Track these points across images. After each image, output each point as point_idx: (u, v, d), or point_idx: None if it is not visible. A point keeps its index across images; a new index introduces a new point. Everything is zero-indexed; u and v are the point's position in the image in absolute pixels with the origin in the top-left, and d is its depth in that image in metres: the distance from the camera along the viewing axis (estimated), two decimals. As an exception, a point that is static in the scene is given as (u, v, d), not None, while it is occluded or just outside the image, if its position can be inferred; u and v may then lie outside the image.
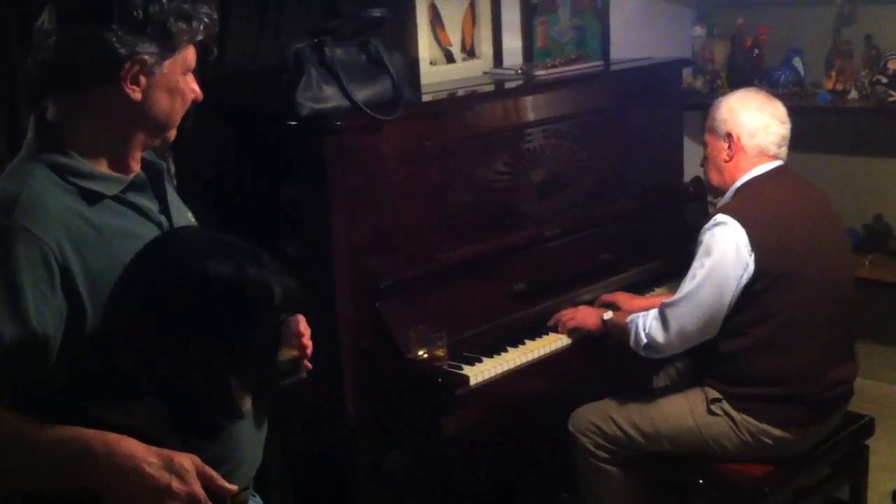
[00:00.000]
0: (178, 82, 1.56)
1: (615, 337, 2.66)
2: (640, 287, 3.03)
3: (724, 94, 2.91)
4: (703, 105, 3.34)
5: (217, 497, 1.42)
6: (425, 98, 2.83)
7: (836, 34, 3.73)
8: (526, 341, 2.66)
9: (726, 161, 2.66)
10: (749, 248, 2.48)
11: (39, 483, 1.42)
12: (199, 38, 1.56)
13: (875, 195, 3.77)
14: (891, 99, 3.48)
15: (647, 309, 2.64)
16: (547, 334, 2.72)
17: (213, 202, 1.85)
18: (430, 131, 2.59)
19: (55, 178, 1.49)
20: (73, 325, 1.45)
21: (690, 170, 3.46)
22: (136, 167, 1.60)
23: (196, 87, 1.60)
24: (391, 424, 2.51)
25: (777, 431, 2.54)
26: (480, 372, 2.47)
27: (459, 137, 2.67)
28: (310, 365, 1.76)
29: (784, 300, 2.50)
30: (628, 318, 2.62)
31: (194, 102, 1.61)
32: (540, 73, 3.07)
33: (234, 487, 1.46)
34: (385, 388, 2.47)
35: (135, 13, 1.47)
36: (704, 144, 2.76)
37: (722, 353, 2.57)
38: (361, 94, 2.40)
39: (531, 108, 2.89)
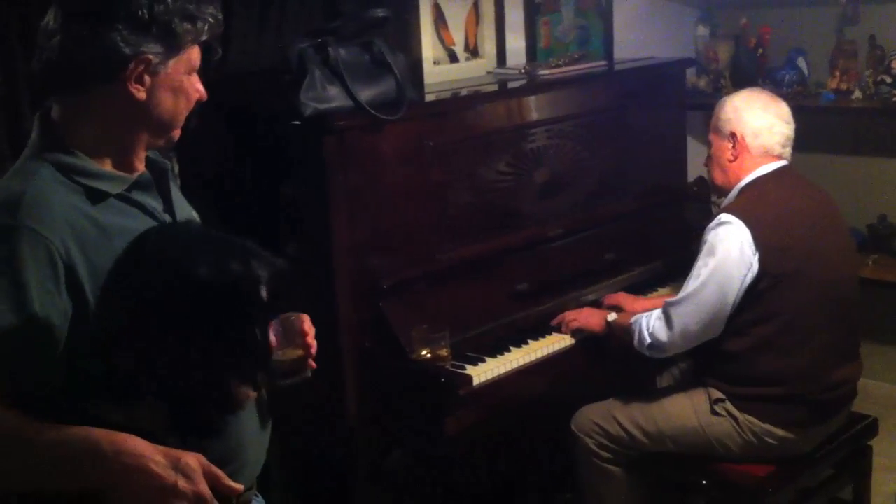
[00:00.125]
0: (182, 82, 1.56)
1: (619, 338, 2.66)
2: (642, 287, 3.03)
3: (727, 94, 2.91)
4: (706, 105, 3.34)
5: (222, 497, 1.42)
6: (428, 98, 2.84)
7: (839, 34, 3.72)
8: (529, 341, 2.66)
9: (730, 161, 2.66)
10: (753, 247, 2.48)
11: (44, 482, 1.42)
12: (204, 38, 1.56)
13: (879, 195, 3.77)
14: (894, 98, 3.48)
15: (650, 309, 2.64)
16: (550, 334, 2.72)
17: (215, 202, 1.85)
18: (433, 131, 2.58)
19: (60, 177, 1.49)
20: (78, 323, 1.45)
21: (694, 170, 3.46)
22: (141, 166, 1.60)
23: (200, 87, 1.60)
24: (391, 424, 2.51)
25: (780, 432, 2.54)
26: (483, 372, 2.47)
27: (462, 137, 2.67)
28: (314, 364, 1.76)
29: (786, 300, 2.50)
30: (632, 319, 2.62)
31: (198, 102, 1.61)
32: (543, 72, 3.07)
33: (239, 487, 1.46)
34: (386, 388, 2.47)
35: (139, 13, 1.47)
36: (709, 144, 2.76)
37: (724, 353, 2.57)
38: (365, 94, 2.40)
39: (534, 107, 2.89)
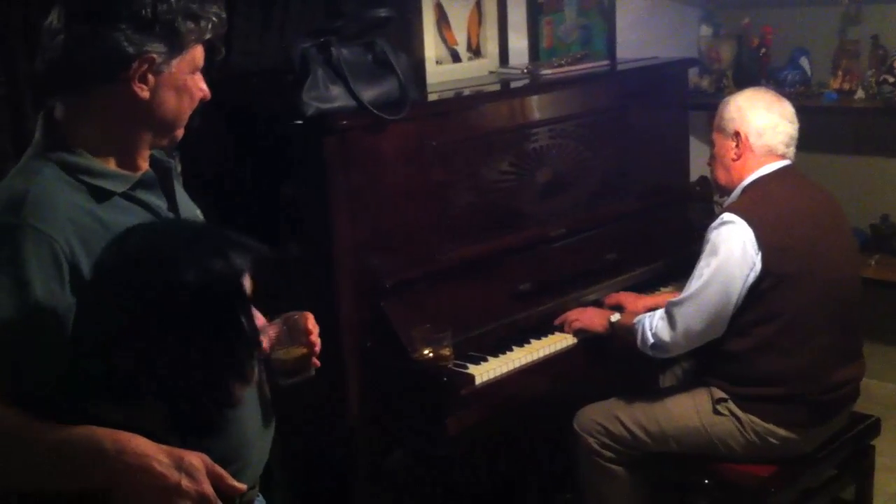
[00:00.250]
0: (186, 81, 1.56)
1: (622, 338, 2.66)
2: (644, 287, 3.03)
3: (730, 93, 2.91)
4: (709, 105, 3.34)
5: (226, 496, 1.42)
6: (431, 97, 2.84)
7: (842, 34, 3.72)
8: (531, 341, 2.66)
9: (734, 160, 2.66)
10: (756, 247, 2.48)
11: (47, 482, 1.42)
12: (208, 37, 1.56)
13: (882, 195, 3.77)
14: (897, 98, 3.48)
15: (653, 309, 2.64)
16: (552, 334, 2.72)
17: (216, 202, 1.85)
18: (435, 131, 2.58)
19: (64, 176, 1.49)
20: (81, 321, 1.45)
21: (696, 169, 3.46)
22: (145, 165, 1.60)
23: (204, 87, 1.60)
24: (392, 424, 2.51)
25: (782, 431, 2.54)
26: (486, 371, 2.47)
27: (464, 137, 2.66)
28: (318, 362, 1.76)
29: (788, 300, 2.50)
30: (635, 319, 2.62)
31: (201, 101, 1.61)
32: (545, 72, 3.07)
33: (243, 486, 1.46)
34: (387, 388, 2.46)
35: (143, 12, 1.47)
36: (712, 143, 2.76)
37: (726, 353, 2.57)
38: (367, 93, 2.40)
39: (536, 107, 2.89)
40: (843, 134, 3.83)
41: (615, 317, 2.71)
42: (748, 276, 2.48)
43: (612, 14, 3.64)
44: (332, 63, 2.38)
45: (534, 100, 2.90)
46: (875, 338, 3.47)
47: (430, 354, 2.38)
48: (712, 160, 2.77)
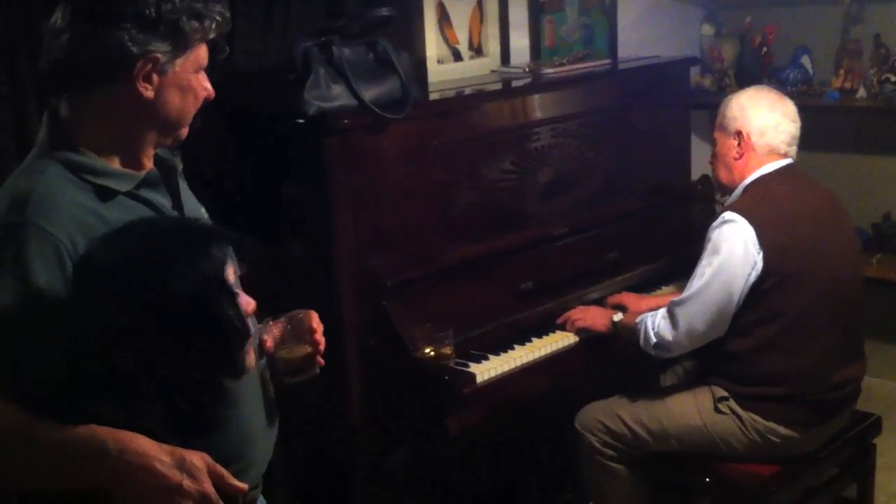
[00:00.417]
0: (190, 80, 1.56)
1: (625, 338, 2.66)
2: (646, 286, 3.03)
3: (732, 92, 2.91)
4: (711, 104, 3.34)
5: (228, 496, 1.42)
6: (432, 96, 2.83)
7: (844, 33, 3.72)
8: (533, 339, 2.67)
9: (735, 159, 2.66)
10: (757, 246, 2.48)
11: (49, 481, 1.42)
12: (212, 36, 1.56)
13: (883, 194, 3.77)
14: (899, 97, 3.48)
15: (655, 309, 2.64)
16: (554, 332, 2.72)
17: (218, 201, 1.85)
18: (437, 130, 2.59)
19: (68, 175, 1.49)
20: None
21: (698, 169, 3.46)
22: (149, 164, 1.60)
23: (208, 86, 1.60)
24: (393, 424, 2.51)
25: (784, 430, 2.54)
26: (487, 370, 2.48)
27: (466, 136, 2.67)
28: (322, 361, 1.76)
29: (789, 300, 2.50)
30: (637, 319, 2.62)
31: (205, 101, 1.61)
32: (547, 71, 3.07)
33: (244, 486, 1.46)
34: (389, 388, 2.47)
35: (147, 12, 1.47)
36: (713, 142, 2.76)
37: (727, 353, 2.57)
38: (369, 93, 2.41)
39: (538, 106, 2.89)
40: (844, 133, 3.83)
41: (618, 316, 2.71)
42: (749, 275, 2.48)
43: (614, 13, 3.64)
44: (333, 62, 2.38)
45: (535, 99, 2.90)
46: (876, 336, 3.47)
47: (432, 353, 2.38)
48: (714, 159, 2.77)
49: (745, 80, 3.75)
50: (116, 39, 1.46)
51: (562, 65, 3.12)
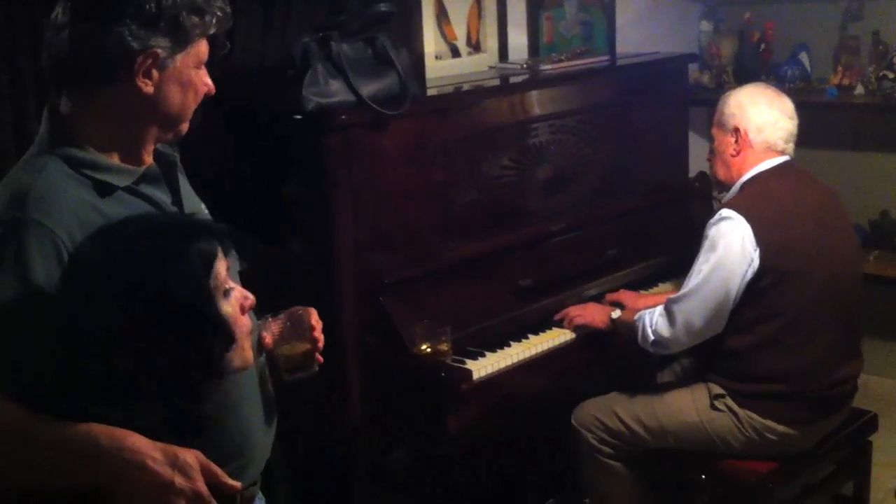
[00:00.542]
0: (190, 76, 1.55)
1: (623, 335, 2.66)
2: (644, 283, 3.03)
3: (730, 89, 2.91)
4: (709, 100, 3.34)
5: (225, 494, 1.42)
6: (430, 92, 2.82)
7: (842, 30, 3.72)
8: (529, 336, 2.67)
9: (733, 156, 2.66)
10: (754, 243, 2.48)
11: (46, 478, 1.42)
12: (212, 31, 1.56)
13: (881, 191, 3.77)
14: (897, 94, 3.48)
15: (653, 306, 2.64)
16: (550, 329, 2.72)
17: (217, 198, 1.85)
18: (435, 127, 2.58)
19: (68, 171, 1.49)
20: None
21: (696, 165, 3.46)
22: (149, 159, 1.60)
23: (209, 81, 1.60)
24: (393, 423, 2.51)
25: (780, 428, 2.54)
26: (483, 366, 2.48)
27: (464, 133, 2.66)
28: (321, 358, 1.76)
29: (789, 298, 2.50)
30: (635, 316, 2.62)
31: (205, 97, 1.61)
32: (545, 67, 3.07)
33: (237, 484, 1.46)
34: (388, 387, 2.47)
35: (147, 7, 1.47)
36: (711, 138, 2.76)
37: (726, 350, 2.57)
38: (367, 89, 2.40)
39: (536, 103, 2.89)
40: (842, 130, 3.83)
41: (616, 313, 2.71)
42: (746, 272, 2.48)
43: (612, 9, 3.63)
44: (332, 58, 2.38)
45: (534, 95, 2.89)
46: (874, 334, 3.47)
47: (429, 350, 2.39)
48: (711, 156, 2.77)
49: (744, 76, 3.75)
50: (117, 35, 1.46)
51: (560, 61, 3.12)
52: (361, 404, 2.49)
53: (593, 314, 2.74)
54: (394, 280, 2.47)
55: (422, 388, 2.40)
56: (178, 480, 1.37)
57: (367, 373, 2.48)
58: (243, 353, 1.48)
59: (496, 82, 3.05)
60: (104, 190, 1.51)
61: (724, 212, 2.53)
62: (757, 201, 2.57)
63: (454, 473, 2.81)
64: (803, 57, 3.79)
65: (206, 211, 1.73)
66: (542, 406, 2.74)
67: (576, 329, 2.72)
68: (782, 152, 2.65)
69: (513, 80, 3.05)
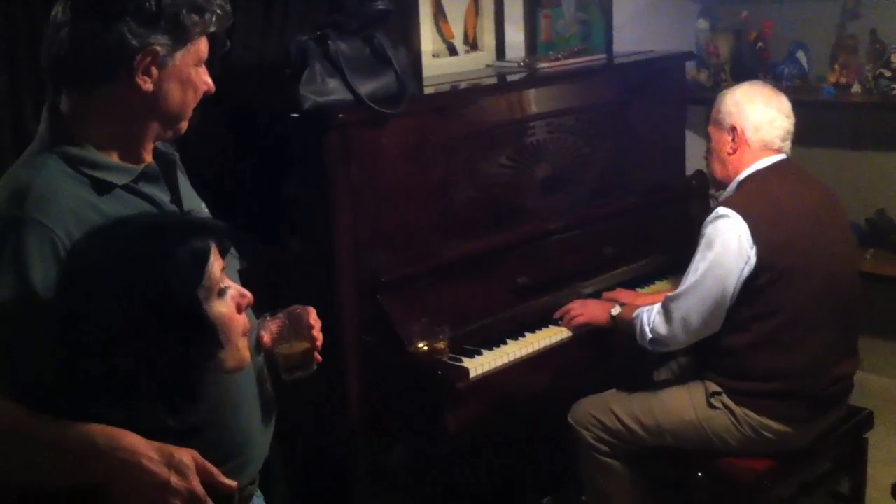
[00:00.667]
0: (190, 74, 1.55)
1: (623, 331, 2.67)
2: (641, 281, 3.03)
3: (727, 87, 2.91)
4: (706, 99, 3.34)
5: (222, 494, 1.42)
6: (428, 91, 2.82)
7: (840, 28, 3.73)
8: (526, 334, 2.67)
9: (730, 154, 2.66)
10: (751, 241, 2.48)
11: (44, 477, 1.42)
12: (212, 29, 1.56)
13: (878, 190, 3.77)
14: (894, 93, 3.49)
15: (653, 304, 2.65)
16: (547, 327, 2.72)
17: (216, 198, 1.85)
18: (433, 125, 2.58)
19: (67, 169, 1.49)
20: None
21: (693, 163, 3.46)
22: (149, 157, 1.60)
23: (208, 79, 1.59)
24: (392, 422, 2.52)
25: (777, 426, 2.54)
26: (480, 364, 2.48)
27: (462, 131, 2.66)
28: (320, 358, 1.76)
29: (786, 296, 2.50)
30: (634, 314, 2.63)
31: (204, 95, 1.61)
32: (543, 66, 3.07)
33: (234, 483, 1.45)
34: (387, 387, 2.47)
35: (147, 5, 1.47)
36: (708, 137, 2.76)
37: (723, 348, 2.57)
38: (365, 87, 2.40)
39: (534, 101, 2.89)
40: (840, 128, 3.83)
41: (616, 310, 2.71)
42: (743, 270, 2.49)
43: (610, 8, 3.64)
44: (329, 56, 2.38)
45: (532, 94, 2.89)
46: (870, 332, 3.47)
47: (426, 348, 2.39)
48: (709, 154, 2.77)
49: (741, 75, 3.75)
50: (117, 33, 1.46)
51: (557, 59, 3.12)
52: (360, 403, 2.49)
53: (594, 311, 2.74)
54: (392, 279, 2.47)
55: (420, 386, 2.40)
56: (175, 480, 1.37)
57: (366, 372, 2.48)
58: (238, 353, 1.48)
59: (494, 81, 3.05)
60: (103, 188, 1.51)
61: (721, 210, 2.53)
62: (754, 199, 2.57)
63: (453, 472, 2.81)
64: (800, 55, 3.80)
65: (206, 209, 1.73)
66: (539, 404, 2.74)
67: (576, 327, 2.72)
68: (779, 151, 2.65)
69: (510, 78, 3.05)
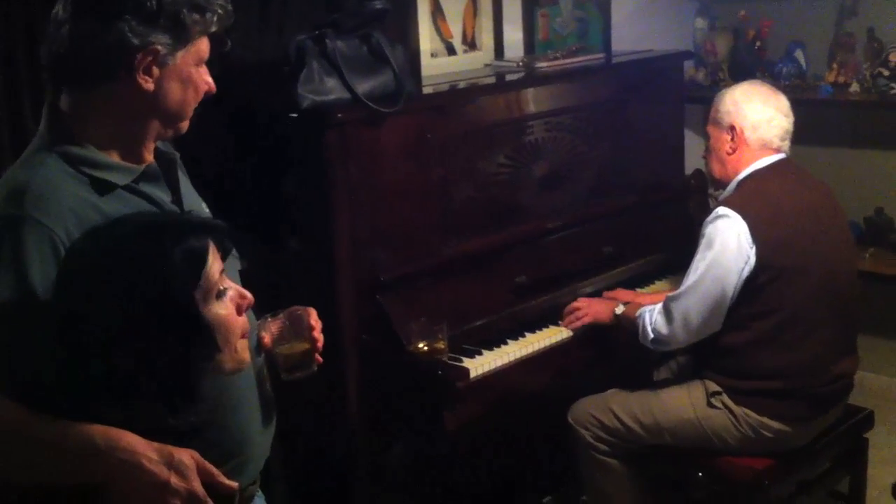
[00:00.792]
0: (191, 73, 1.55)
1: (626, 331, 2.66)
2: (641, 280, 3.03)
3: (725, 86, 2.91)
4: (704, 98, 3.34)
5: (221, 494, 1.42)
6: (426, 90, 2.82)
7: (838, 27, 3.72)
8: (526, 334, 2.66)
9: (729, 153, 2.66)
10: (750, 240, 2.48)
11: (46, 476, 1.42)
12: (213, 29, 1.55)
13: (876, 188, 3.77)
14: (892, 91, 3.49)
15: (655, 304, 2.64)
16: (547, 327, 2.72)
17: (215, 197, 1.85)
18: (432, 124, 2.58)
19: (67, 168, 1.48)
20: None
21: (692, 163, 3.46)
22: (150, 157, 1.59)
23: (209, 79, 1.59)
24: (392, 422, 2.51)
25: (777, 425, 2.54)
26: (480, 364, 2.47)
27: (460, 130, 2.66)
28: (321, 359, 1.75)
29: (786, 295, 2.50)
30: (637, 313, 2.63)
31: (205, 95, 1.60)
32: (541, 65, 3.07)
33: (234, 484, 1.45)
34: (387, 386, 2.46)
35: (148, 4, 1.46)
36: (707, 136, 2.76)
37: (722, 347, 2.57)
38: (363, 86, 2.40)
39: (532, 100, 2.89)
40: (838, 127, 3.83)
41: (619, 308, 2.71)
42: (743, 269, 2.49)
43: (608, 7, 3.63)
44: (327, 55, 2.38)
45: (530, 93, 2.89)
46: (870, 331, 3.48)
47: (425, 348, 2.38)
48: (707, 153, 2.77)
49: (739, 74, 3.75)
50: (117, 32, 1.45)
51: (556, 59, 3.12)
52: (360, 403, 2.49)
53: (598, 310, 2.74)
54: (391, 278, 2.47)
55: (419, 386, 2.40)
56: (174, 480, 1.37)
57: (366, 371, 2.47)
58: (236, 355, 1.47)
59: (492, 80, 3.05)
60: (103, 188, 1.50)
61: (721, 209, 2.53)
62: (753, 199, 2.57)
63: (453, 472, 2.81)
64: (798, 54, 3.79)
65: (206, 209, 1.73)
66: (539, 404, 2.74)
67: (578, 327, 2.72)
68: (778, 150, 2.65)
69: (509, 77, 3.05)
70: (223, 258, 1.46)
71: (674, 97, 3.39)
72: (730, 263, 2.49)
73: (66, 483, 1.41)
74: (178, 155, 1.68)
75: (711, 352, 2.60)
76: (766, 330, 2.51)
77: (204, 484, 1.39)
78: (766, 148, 2.63)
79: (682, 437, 2.63)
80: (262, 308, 1.67)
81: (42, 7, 1.56)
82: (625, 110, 3.13)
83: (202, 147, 2.53)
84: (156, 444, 1.38)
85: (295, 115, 2.35)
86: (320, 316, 1.77)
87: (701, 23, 4.06)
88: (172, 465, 1.37)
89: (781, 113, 2.65)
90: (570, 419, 2.75)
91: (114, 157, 1.54)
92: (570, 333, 2.71)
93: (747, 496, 2.57)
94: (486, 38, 3.32)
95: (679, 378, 2.81)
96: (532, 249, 2.82)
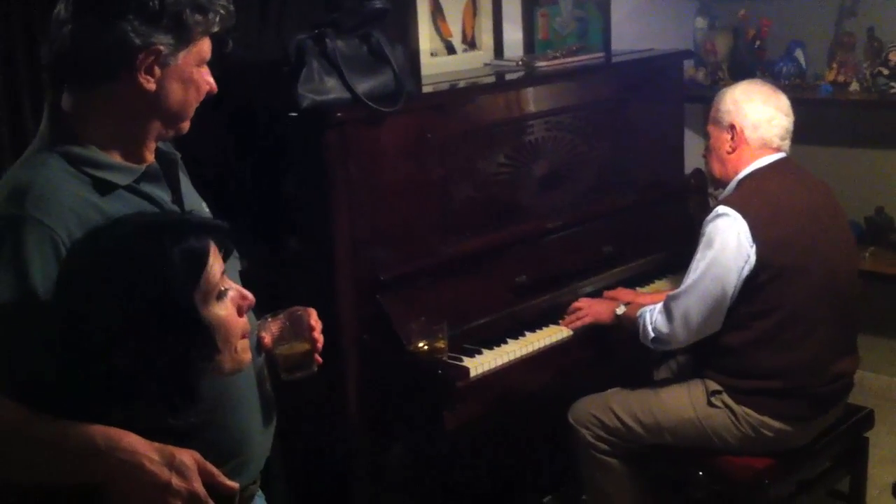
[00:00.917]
0: (192, 74, 1.55)
1: (627, 330, 2.66)
2: (641, 280, 3.03)
3: (725, 86, 2.91)
4: (704, 97, 3.34)
5: (221, 494, 1.42)
6: (426, 89, 2.82)
7: (838, 26, 3.72)
8: (526, 333, 2.66)
9: (729, 153, 2.66)
10: (750, 239, 2.48)
11: (46, 476, 1.41)
12: (215, 29, 1.55)
13: (877, 188, 3.77)
14: (892, 91, 3.48)
15: (656, 303, 2.64)
16: (547, 326, 2.72)
17: (215, 197, 1.85)
18: (431, 123, 2.58)
19: (68, 168, 1.48)
20: None
21: (691, 162, 3.46)
22: (151, 157, 1.59)
23: (211, 79, 1.59)
24: (392, 422, 2.51)
25: (777, 424, 2.54)
26: (480, 364, 2.47)
27: (460, 130, 2.66)
28: (320, 359, 1.75)
29: (786, 294, 2.50)
30: (638, 312, 2.63)
31: (206, 95, 1.60)
32: (541, 64, 3.06)
33: (235, 485, 1.45)
34: (387, 385, 2.46)
35: (150, 4, 1.46)
36: (707, 135, 2.76)
37: (723, 346, 2.57)
38: (362, 85, 2.40)
39: (532, 99, 2.89)
40: (838, 126, 3.83)
41: (620, 308, 2.71)
42: (742, 268, 2.49)
43: (608, 6, 3.63)
44: (327, 55, 2.38)
45: (530, 92, 2.89)
46: (870, 330, 3.48)
47: (425, 347, 2.38)
48: (707, 153, 2.77)
49: (739, 73, 3.75)
50: (119, 31, 1.45)
51: (555, 58, 3.12)
52: (360, 403, 2.49)
53: (599, 310, 2.74)
54: (391, 277, 2.47)
55: (419, 385, 2.40)
56: (175, 481, 1.37)
57: (365, 371, 2.47)
58: (236, 356, 1.47)
59: (492, 79, 3.05)
60: (104, 188, 1.50)
61: (721, 209, 2.53)
62: (753, 198, 2.57)
63: (453, 472, 2.81)
64: (798, 54, 3.79)
65: (207, 209, 1.73)
66: (539, 403, 2.74)
67: (579, 326, 2.72)
68: (778, 149, 2.65)
69: (508, 77, 3.05)
70: (224, 259, 1.46)
71: (673, 96, 3.39)
72: (730, 262, 2.49)
73: (66, 483, 1.41)
74: (179, 155, 1.68)
75: (712, 351, 2.61)
76: (766, 329, 2.51)
77: (204, 484, 1.39)
78: (767, 147, 2.63)
79: (682, 436, 2.63)
80: (262, 308, 1.66)
81: (42, 7, 1.55)
82: (624, 110, 3.13)
83: (202, 147, 2.53)
84: (157, 445, 1.38)
85: (295, 114, 2.35)
86: (320, 316, 1.77)
87: (701, 22, 4.06)
88: (173, 465, 1.37)
89: (782, 112, 2.65)
90: (570, 419, 2.75)
91: (115, 158, 1.54)
92: (571, 333, 2.71)
93: (747, 496, 2.57)
94: (485, 38, 3.32)
95: (679, 377, 2.81)
96: (532, 249, 2.82)
